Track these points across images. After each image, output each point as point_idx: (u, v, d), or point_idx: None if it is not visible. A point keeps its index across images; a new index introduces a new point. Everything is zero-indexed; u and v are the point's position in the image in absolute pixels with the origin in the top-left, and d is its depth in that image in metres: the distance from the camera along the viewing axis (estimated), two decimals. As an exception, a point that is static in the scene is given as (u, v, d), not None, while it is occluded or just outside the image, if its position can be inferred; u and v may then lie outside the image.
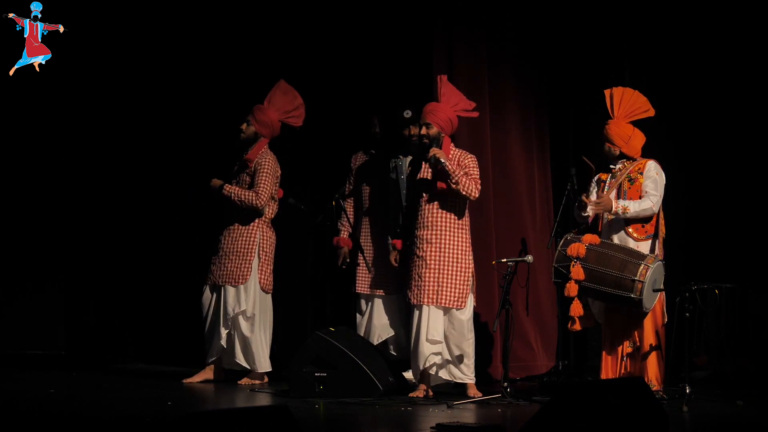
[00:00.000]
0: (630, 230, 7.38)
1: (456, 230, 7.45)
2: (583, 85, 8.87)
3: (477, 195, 7.42)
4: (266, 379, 8.17)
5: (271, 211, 8.23)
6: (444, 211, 7.46)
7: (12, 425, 5.87)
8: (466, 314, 7.44)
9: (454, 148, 7.52)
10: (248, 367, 8.11)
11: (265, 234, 8.18)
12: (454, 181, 7.34)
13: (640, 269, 7.06)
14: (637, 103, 7.53)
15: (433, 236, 7.44)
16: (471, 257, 7.53)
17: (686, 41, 8.72)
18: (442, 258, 7.40)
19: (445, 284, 7.37)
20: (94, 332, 9.90)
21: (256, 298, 8.12)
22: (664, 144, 8.15)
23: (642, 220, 7.35)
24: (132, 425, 6.03)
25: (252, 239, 8.13)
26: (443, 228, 7.43)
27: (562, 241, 7.36)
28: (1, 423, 5.92)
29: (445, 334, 7.43)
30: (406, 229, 8.00)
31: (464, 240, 7.48)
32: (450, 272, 7.39)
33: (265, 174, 8.12)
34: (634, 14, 8.77)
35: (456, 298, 7.38)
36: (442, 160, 7.33)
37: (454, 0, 8.56)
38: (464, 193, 7.37)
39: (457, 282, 7.40)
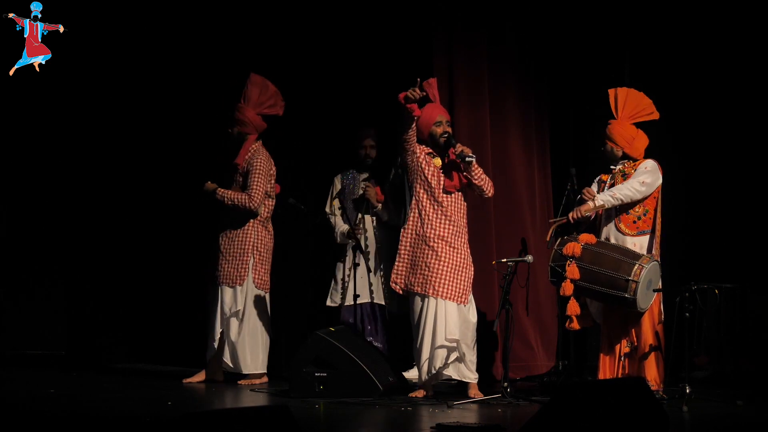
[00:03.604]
0: (621, 226, 7.37)
1: (463, 228, 7.46)
2: (583, 85, 8.87)
3: (493, 192, 7.45)
4: (266, 379, 8.17)
5: (266, 209, 8.21)
6: (456, 208, 7.44)
7: (12, 425, 5.87)
8: (472, 312, 7.44)
9: None
10: (233, 369, 8.09)
11: (259, 234, 8.16)
12: (478, 177, 7.35)
13: (634, 269, 7.06)
14: (642, 105, 7.49)
15: (446, 230, 7.42)
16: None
17: (686, 41, 8.72)
18: (452, 252, 7.37)
19: (454, 279, 7.34)
20: (94, 332, 9.90)
21: (251, 298, 8.12)
22: (664, 143, 8.14)
23: (635, 214, 7.33)
24: (132, 425, 6.03)
25: (247, 240, 8.12)
26: (455, 224, 7.42)
27: (558, 240, 7.37)
28: (1, 423, 5.92)
29: None
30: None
31: (467, 238, 7.49)
32: (459, 268, 7.37)
33: (257, 174, 8.09)
34: (634, 14, 8.77)
35: (460, 294, 7.37)
36: (472, 155, 7.29)
37: (455, 0, 8.56)
38: (486, 189, 7.39)
39: (464, 278, 7.39)
